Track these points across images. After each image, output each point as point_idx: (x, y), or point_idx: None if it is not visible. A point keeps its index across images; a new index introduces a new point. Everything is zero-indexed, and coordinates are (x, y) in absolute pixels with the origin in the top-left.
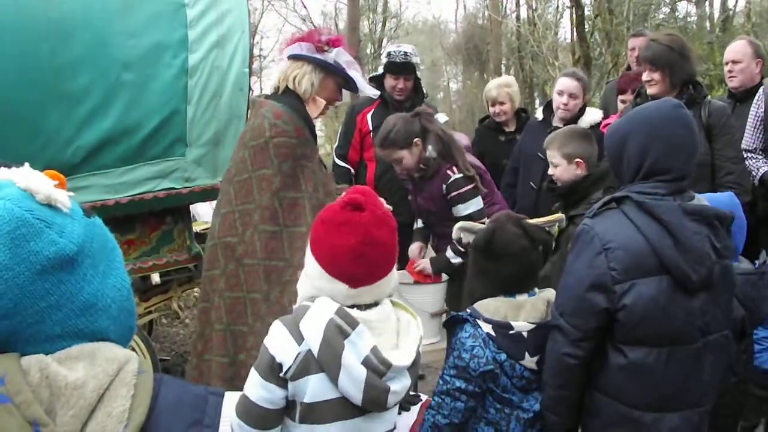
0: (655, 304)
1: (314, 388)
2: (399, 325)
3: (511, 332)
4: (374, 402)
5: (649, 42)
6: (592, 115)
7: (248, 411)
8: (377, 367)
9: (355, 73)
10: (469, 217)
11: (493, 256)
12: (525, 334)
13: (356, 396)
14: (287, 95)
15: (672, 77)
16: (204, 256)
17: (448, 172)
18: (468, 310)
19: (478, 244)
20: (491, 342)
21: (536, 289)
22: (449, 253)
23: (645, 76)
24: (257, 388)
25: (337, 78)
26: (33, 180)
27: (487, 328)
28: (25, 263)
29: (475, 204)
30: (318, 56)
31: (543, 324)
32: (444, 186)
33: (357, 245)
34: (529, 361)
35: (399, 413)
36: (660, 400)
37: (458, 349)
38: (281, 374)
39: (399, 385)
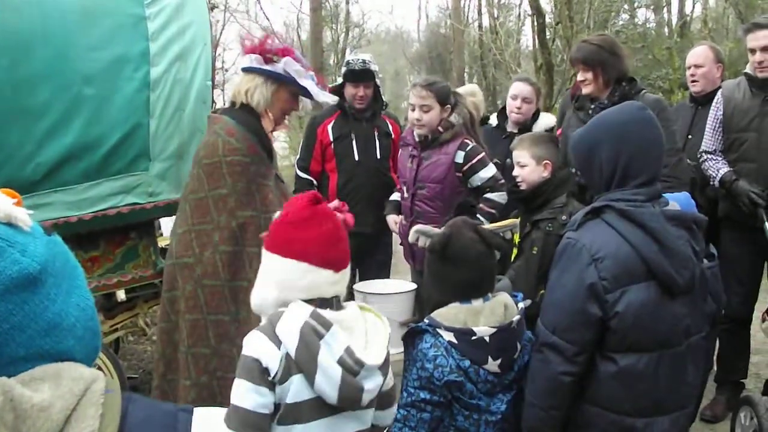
0: (645, 309)
1: (295, 389)
2: (366, 325)
3: (474, 338)
4: (349, 400)
5: (580, 43)
6: (546, 120)
7: (245, 421)
8: (351, 367)
9: (307, 82)
10: (492, 179)
11: (450, 262)
12: (487, 338)
13: (332, 395)
14: (243, 110)
15: (604, 75)
16: (163, 275)
17: (466, 140)
18: (426, 320)
19: (434, 248)
20: (453, 350)
21: (490, 294)
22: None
23: (579, 76)
24: (250, 395)
25: (290, 87)
26: None
27: (448, 336)
28: None
29: (492, 168)
30: (267, 68)
31: (504, 327)
32: (463, 153)
33: (334, 230)
34: (492, 365)
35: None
36: (651, 404)
37: (421, 360)
38: (270, 378)
39: (372, 384)
